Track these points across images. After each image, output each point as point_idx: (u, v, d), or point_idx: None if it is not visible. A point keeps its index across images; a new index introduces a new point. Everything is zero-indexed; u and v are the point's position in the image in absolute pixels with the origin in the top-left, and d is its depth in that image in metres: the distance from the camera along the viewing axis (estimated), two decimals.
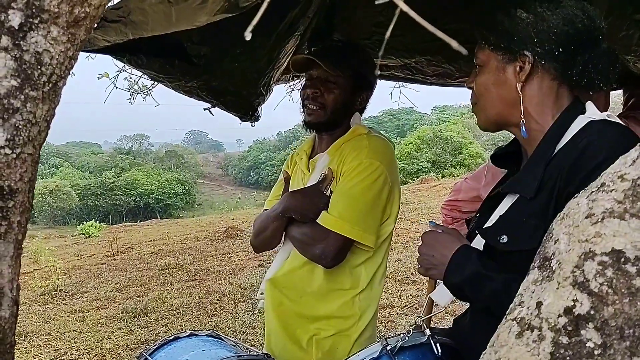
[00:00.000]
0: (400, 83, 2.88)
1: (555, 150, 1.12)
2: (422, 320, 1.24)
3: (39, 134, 0.81)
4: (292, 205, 1.81)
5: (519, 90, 1.17)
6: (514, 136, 1.30)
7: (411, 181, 22.73)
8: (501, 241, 1.13)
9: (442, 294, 1.24)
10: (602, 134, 1.07)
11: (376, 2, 0.46)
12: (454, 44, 0.43)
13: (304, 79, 1.94)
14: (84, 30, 0.80)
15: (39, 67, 0.77)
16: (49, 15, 0.74)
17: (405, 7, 0.43)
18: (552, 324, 0.67)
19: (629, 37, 1.49)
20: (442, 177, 24.10)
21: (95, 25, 1.31)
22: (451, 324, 1.43)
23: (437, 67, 2.37)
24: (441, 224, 1.35)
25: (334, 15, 2.09)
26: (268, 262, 7.84)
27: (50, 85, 0.78)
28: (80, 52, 2.21)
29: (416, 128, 46.23)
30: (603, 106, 2.29)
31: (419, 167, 32.56)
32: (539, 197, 1.10)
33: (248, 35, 0.52)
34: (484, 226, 1.22)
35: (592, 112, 1.14)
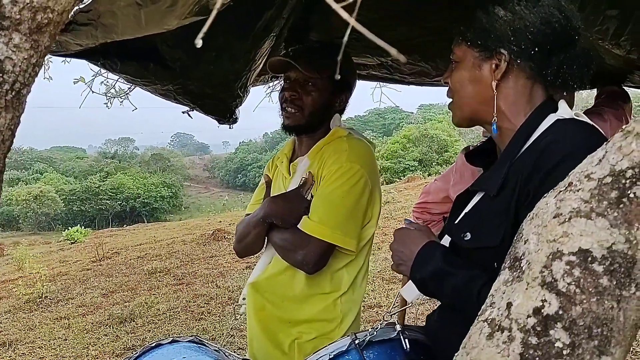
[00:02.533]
0: (381, 83, 2.88)
1: (523, 149, 1.12)
2: (391, 315, 1.24)
3: (2, 143, 0.80)
4: (273, 211, 1.80)
5: (494, 88, 1.17)
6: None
7: (398, 180, 22.79)
8: (465, 238, 1.14)
9: (410, 290, 1.24)
10: (565, 133, 1.07)
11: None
12: (393, 51, 0.42)
13: (282, 80, 1.93)
14: (47, 36, 0.79)
15: (0, 75, 0.75)
16: (10, 22, 0.73)
17: (345, 15, 0.43)
18: (522, 325, 0.67)
19: (603, 32, 1.49)
20: (429, 175, 24.20)
21: (65, 29, 1.30)
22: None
23: (414, 65, 2.37)
24: (415, 222, 1.35)
25: (310, 15, 2.07)
26: (255, 264, 7.79)
27: (13, 93, 0.76)
28: (56, 57, 2.17)
29: (402, 127, 46.36)
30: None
31: (406, 166, 32.67)
32: (502, 195, 1.10)
33: (199, 43, 0.51)
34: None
35: (563, 111, 1.14)
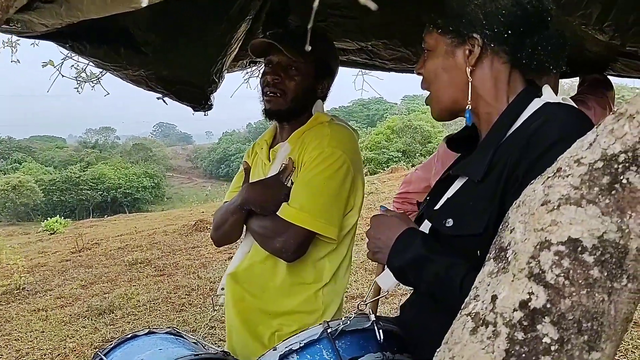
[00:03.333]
0: (364, 71, 2.84)
1: (508, 133, 1.09)
2: (366, 305, 1.20)
3: None
4: (252, 198, 1.74)
5: (469, 75, 1.14)
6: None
7: (382, 171, 22.81)
8: (446, 225, 1.10)
9: (386, 278, 1.20)
10: (555, 116, 1.04)
11: None
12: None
13: (263, 65, 1.86)
14: None
15: None
16: None
17: None
18: (507, 319, 0.63)
19: (587, 16, 1.46)
20: (412, 166, 24.25)
21: (28, 6, 1.22)
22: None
23: (394, 51, 2.33)
24: (392, 209, 1.30)
25: None
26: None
27: None
28: (23, 39, 2.08)
29: (386, 118, 46.44)
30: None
31: (389, 157, 32.73)
32: (488, 180, 1.07)
33: (144, 2, 0.46)
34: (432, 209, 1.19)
35: (548, 95, 1.12)
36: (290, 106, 1.77)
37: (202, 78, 1.82)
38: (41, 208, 45.89)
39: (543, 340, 0.60)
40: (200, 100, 1.91)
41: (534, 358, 0.60)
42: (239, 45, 1.79)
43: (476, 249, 1.03)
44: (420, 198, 2.48)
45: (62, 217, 16.26)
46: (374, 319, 1.16)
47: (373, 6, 0.36)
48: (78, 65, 1.87)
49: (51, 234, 14.18)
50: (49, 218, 16.04)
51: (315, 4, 0.45)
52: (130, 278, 7.43)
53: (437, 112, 1.25)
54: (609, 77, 2.55)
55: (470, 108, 1.15)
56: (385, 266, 1.20)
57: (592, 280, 0.60)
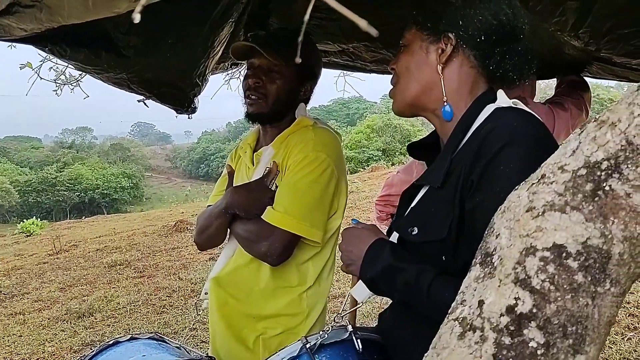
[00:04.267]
0: (345, 72, 2.84)
1: (464, 139, 1.11)
2: (342, 317, 1.21)
3: None
4: (236, 201, 1.74)
5: (440, 72, 1.17)
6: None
7: (362, 169, 22.88)
8: (412, 233, 1.12)
9: (360, 290, 1.21)
10: (503, 120, 1.07)
11: None
12: (363, 23, 0.38)
13: (244, 66, 1.86)
14: None
15: None
16: None
17: None
18: (494, 324, 0.64)
19: (562, 23, 1.48)
20: (392, 165, 24.40)
21: (7, 11, 1.20)
22: None
23: (376, 53, 2.34)
24: (363, 222, 1.32)
25: (269, 0, 2.01)
26: (219, 255, 7.70)
27: None
28: (0, 42, 2.04)
29: (366, 117, 46.55)
30: (529, 94, 2.35)
31: (370, 156, 32.84)
32: (447, 186, 1.09)
33: (137, 17, 0.46)
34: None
35: (501, 100, 1.15)
36: (272, 109, 1.77)
37: (185, 81, 1.81)
38: (17, 209, 45.05)
39: (530, 345, 0.62)
40: (183, 103, 1.90)
41: None
42: (222, 48, 1.78)
43: (441, 254, 1.06)
44: None
45: (39, 219, 15.99)
46: (352, 329, 1.17)
47: (374, 32, 0.37)
48: (57, 68, 1.85)
49: (27, 236, 13.92)
50: (24, 220, 15.75)
51: (306, 17, 0.46)
52: (109, 280, 7.35)
53: (398, 106, 1.28)
54: (585, 78, 2.60)
55: (446, 100, 1.18)
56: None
57: (576, 285, 0.62)
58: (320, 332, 1.17)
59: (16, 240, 13.82)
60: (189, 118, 2.01)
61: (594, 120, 0.67)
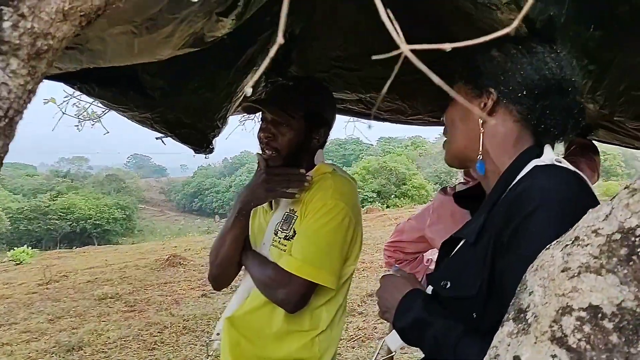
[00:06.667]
0: (354, 118, 2.91)
1: (503, 195, 1.11)
2: None
3: None
4: (244, 195, 1.78)
5: (481, 126, 1.18)
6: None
7: None
8: (445, 287, 1.13)
9: (394, 339, 1.22)
10: (537, 180, 1.06)
11: (373, 58, 0.44)
12: (436, 79, 0.41)
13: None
14: (45, 63, 0.75)
15: None
16: (9, 47, 0.70)
17: (410, 55, 0.41)
18: None
19: (582, 87, 1.52)
20: (387, 207, 24.46)
21: None
22: None
23: (391, 103, 2.41)
24: (402, 270, 1.34)
25: (292, 48, 2.09)
26: (212, 292, 7.60)
27: (6, 120, 0.72)
28: None
29: (362, 158, 46.87)
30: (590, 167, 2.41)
31: (365, 197, 32.90)
32: (480, 243, 1.09)
33: (249, 91, 0.50)
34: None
35: (546, 156, 1.15)
36: (286, 161, 1.80)
37: (207, 123, 1.86)
38: (7, 237, 44.45)
39: None
40: (202, 143, 1.94)
41: None
42: (243, 93, 1.84)
43: (471, 311, 1.06)
44: (412, 247, 2.53)
45: (29, 247, 15.78)
46: None
47: (448, 89, 0.40)
48: (79, 103, 1.89)
49: (17, 264, 13.71)
50: (15, 248, 15.55)
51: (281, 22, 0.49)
52: (99, 313, 7.24)
53: (448, 157, 1.30)
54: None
55: (481, 158, 1.18)
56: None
57: (611, 345, 0.64)
58: None
59: (5, 268, 13.61)
60: (205, 158, 2.05)
61: (626, 188, 0.70)
